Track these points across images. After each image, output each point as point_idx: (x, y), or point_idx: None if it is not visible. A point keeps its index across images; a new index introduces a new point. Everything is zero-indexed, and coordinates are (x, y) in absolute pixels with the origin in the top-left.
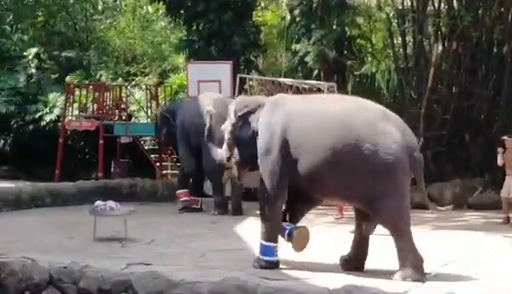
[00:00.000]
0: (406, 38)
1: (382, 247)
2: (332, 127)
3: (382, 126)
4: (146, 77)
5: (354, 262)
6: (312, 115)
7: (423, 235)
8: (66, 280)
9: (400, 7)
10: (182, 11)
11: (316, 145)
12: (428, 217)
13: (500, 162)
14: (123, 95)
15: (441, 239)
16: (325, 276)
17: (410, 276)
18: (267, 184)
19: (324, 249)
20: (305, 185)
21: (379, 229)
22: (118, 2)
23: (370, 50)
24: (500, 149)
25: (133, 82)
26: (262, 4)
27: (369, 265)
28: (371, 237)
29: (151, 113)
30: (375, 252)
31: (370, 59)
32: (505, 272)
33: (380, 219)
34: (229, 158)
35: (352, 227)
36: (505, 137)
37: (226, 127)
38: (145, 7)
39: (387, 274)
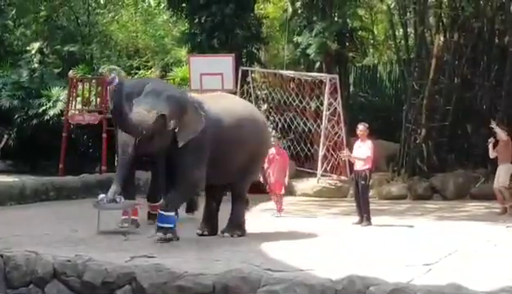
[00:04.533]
0: (408, 30)
1: (384, 239)
2: (243, 123)
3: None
4: (149, 71)
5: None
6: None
7: (426, 225)
8: (70, 273)
9: None
10: (184, 4)
11: (233, 136)
12: (432, 208)
13: (492, 155)
14: None
15: (444, 229)
16: (328, 267)
17: (239, 232)
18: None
19: (326, 240)
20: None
21: (386, 221)
22: None
23: (371, 41)
24: (491, 139)
25: (136, 76)
26: None
27: (372, 255)
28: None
29: None
30: (378, 243)
31: (371, 50)
32: (507, 262)
33: (238, 190)
34: None
35: (355, 219)
36: (492, 126)
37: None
38: (147, 1)
39: (389, 264)
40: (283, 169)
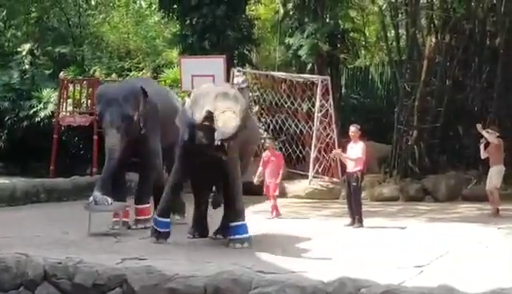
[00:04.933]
0: (400, 31)
1: (376, 240)
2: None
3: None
4: (140, 72)
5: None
6: None
7: (418, 227)
8: (61, 276)
9: (393, 0)
10: (175, 6)
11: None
12: (423, 209)
13: (483, 155)
14: None
15: (436, 231)
16: (319, 269)
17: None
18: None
19: (318, 242)
20: None
21: (378, 223)
22: None
23: (363, 43)
24: (483, 140)
25: (127, 77)
26: None
27: (364, 257)
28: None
29: None
30: (369, 245)
31: (363, 52)
32: (499, 264)
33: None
34: None
35: (347, 221)
36: (486, 130)
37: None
38: (138, 2)
39: (381, 266)
40: (278, 170)
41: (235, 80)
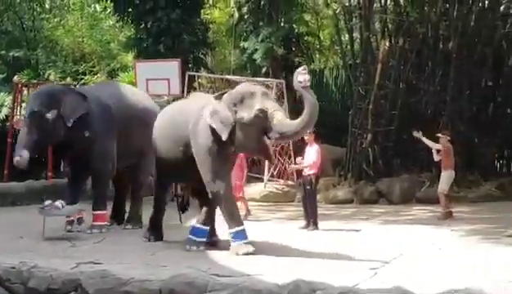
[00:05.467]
0: (354, 35)
1: (331, 243)
2: None
3: None
4: (95, 76)
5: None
6: None
7: (372, 229)
8: (15, 280)
9: (347, 4)
10: (130, 10)
11: None
12: (378, 212)
13: (436, 158)
14: None
15: (390, 233)
16: (274, 271)
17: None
18: None
19: (273, 245)
20: None
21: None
22: (65, 0)
23: (317, 46)
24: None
25: (82, 81)
26: (211, 2)
27: (318, 259)
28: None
29: None
30: (324, 248)
31: (318, 55)
32: (452, 265)
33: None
34: None
35: (302, 223)
36: (439, 134)
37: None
38: (93, 6)
39: (336, 268)
40: (241, 172)
41: (301, 77)
